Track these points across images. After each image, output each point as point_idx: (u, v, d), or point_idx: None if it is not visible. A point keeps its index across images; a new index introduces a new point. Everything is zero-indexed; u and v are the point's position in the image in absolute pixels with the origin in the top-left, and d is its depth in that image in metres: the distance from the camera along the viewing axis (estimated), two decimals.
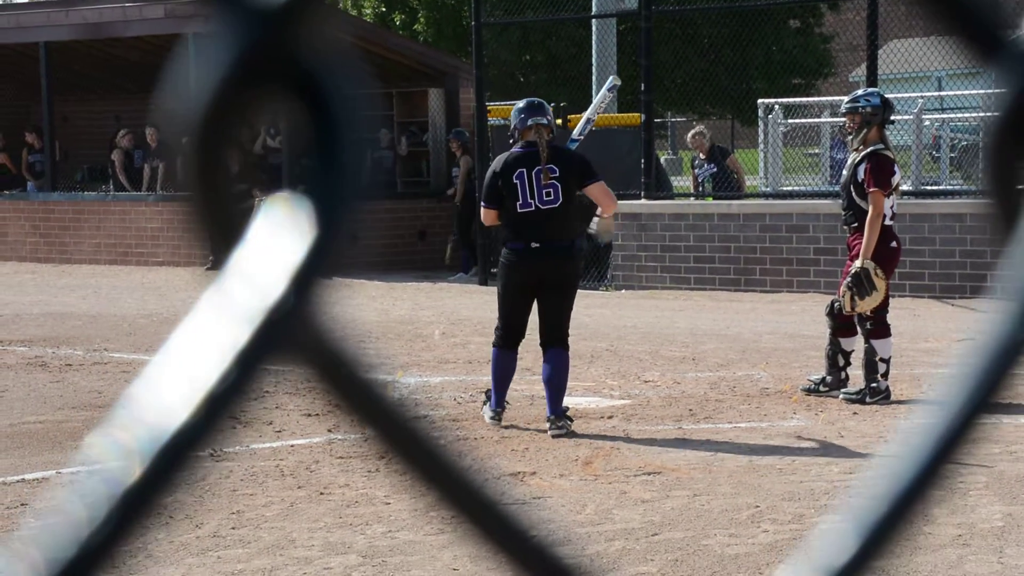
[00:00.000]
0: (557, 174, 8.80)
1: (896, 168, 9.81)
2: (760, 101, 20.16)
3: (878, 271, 9.56)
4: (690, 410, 9.57)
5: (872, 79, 16.67)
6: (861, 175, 9.70)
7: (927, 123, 19.68)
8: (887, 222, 9.72)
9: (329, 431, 8.60)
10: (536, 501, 7.02)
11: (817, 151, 21.87)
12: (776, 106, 19.90)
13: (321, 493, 7.20)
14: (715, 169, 19.08)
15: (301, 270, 0.46)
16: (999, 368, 0.53)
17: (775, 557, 6.04)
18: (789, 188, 19.33)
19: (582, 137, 9.68)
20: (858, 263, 9.60)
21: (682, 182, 23.42)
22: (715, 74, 26.49)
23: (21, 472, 7.79)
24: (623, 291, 17.92)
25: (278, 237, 0.46)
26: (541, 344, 8.98)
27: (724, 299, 16.81)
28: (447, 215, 21.79)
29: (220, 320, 0.48)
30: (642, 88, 18.26)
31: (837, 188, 19.33)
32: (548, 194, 8.78)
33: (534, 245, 8.78)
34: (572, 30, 30.06)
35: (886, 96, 10.06)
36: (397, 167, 23.51)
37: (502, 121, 21.06)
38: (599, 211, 9.34)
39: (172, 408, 0.47)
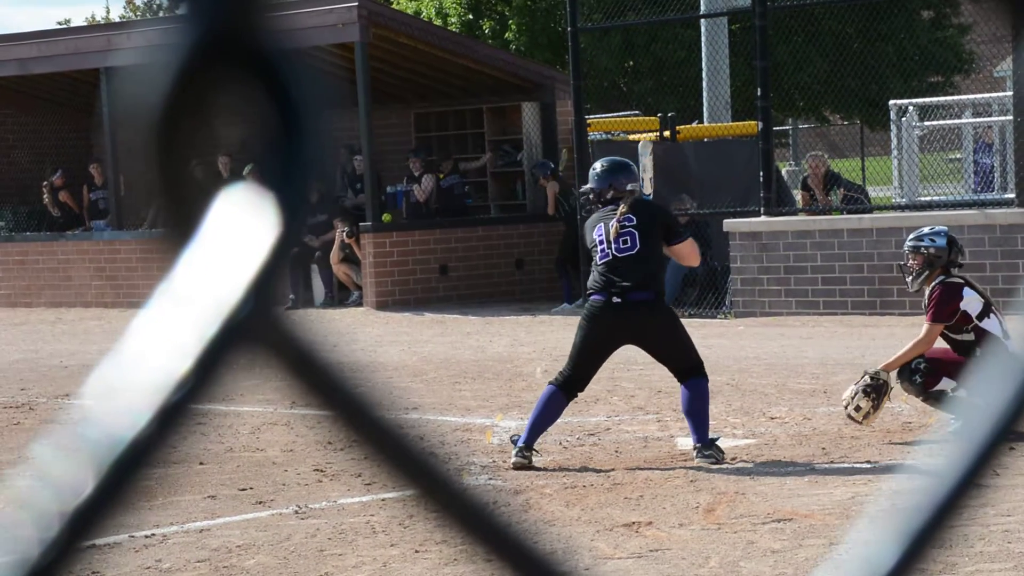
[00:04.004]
0: (634, 222, 9.28)
1: (965, 291, 9.67)
2: (892, 102, 20.03)
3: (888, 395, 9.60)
4: (823, 449, 9.51)
5: (1021, 73, 16.49)
6: (926, 299, 9.78)
7: None
8: (1011, 348, 9.63)
9: None
10: (653, 554, 6.99)
11: (959, 155, 21.66)
12: (910, 107, 19.75)
13: (416, 551, 7.22)
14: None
15: (263, 267, 0.47)
16: None
17: None
18: (928, 198, 19.16)
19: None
20: (882, 373, 9.63)
21: None
22: (840, 74, 26.34)
23: (90, 537, 7.90)
24: (744, 318, 17.84)
25: (237, 230, 0.47)
26: (677, 379, 9.32)
27: (857, 324, 16.68)
28: (546, 240, 21.84)
29: (177, 319, 0.49)
30: (759, 93, 18.21)
31: (983, 196, 19.19)
32: (625, 242, 9.25)
33: (615, 300, 9.17)
34: (679, 32, 30.06)
35: (953, 236, 9.90)
36: (489, 189, 23.62)
37: (603, 135, 21.08)
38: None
39: (127, 414, 0.47)
